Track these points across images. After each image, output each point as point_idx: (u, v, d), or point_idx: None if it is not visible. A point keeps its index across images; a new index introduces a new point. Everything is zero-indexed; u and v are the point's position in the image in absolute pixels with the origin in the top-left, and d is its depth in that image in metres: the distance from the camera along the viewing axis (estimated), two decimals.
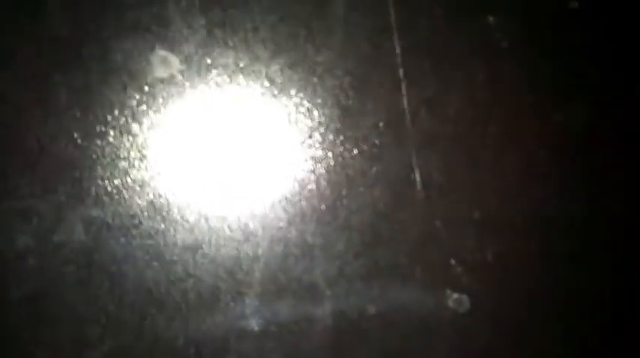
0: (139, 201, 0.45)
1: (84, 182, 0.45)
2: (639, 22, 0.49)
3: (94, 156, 0.45)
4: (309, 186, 0.46)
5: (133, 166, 0.45)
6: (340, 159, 0.47)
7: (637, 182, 0.49)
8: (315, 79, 0.47)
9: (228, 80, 0.46)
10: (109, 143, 0.45)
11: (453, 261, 0.46)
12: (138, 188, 0.45)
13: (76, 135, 0.45)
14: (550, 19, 0.48)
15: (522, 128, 0.47)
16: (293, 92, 0.47)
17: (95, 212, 0.45)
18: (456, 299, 0.46)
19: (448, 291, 0.46)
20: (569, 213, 0.48)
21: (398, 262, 0.46)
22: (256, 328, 0.45)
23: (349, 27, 0.47)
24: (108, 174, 0.45)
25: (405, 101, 0.47)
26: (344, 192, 0.47)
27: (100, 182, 0.45)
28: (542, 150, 0.47)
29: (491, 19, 0.47)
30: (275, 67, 0.46)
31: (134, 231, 0.45)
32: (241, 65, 0.46)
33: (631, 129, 0.49)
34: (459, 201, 0.47)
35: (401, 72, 0.47)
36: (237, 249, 0.46)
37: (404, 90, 0.47)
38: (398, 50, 0.48)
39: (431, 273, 0.46)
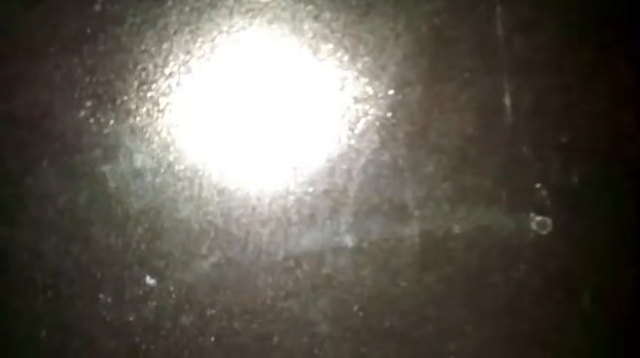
0: (245, 127, 0.49)
1: (193, 107, 0.49)
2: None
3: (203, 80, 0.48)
4: (401, 111, 0.49)
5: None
6: (432, 83, 0.49)
7: None
8: (411, 3, 0.48)
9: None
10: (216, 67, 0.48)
11: (538, 185, 0.48)
12: (241, 117, 0.48)
13: (186, 57, 0.49)
14: None
15: (609, 56, 0.48)
16: (387, 12, 0.48)
17: (204, 134, 0.49)
18: (539, 222, 0.48)
19: (532, 214, 0.48)
20: None
21: (484, 185, 0.49)
22: (350, 244, 0.49)
23: None
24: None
25: (499, 26, 0.48)
26: (435, 116, 0.49)
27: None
28: (629, 78, 0.48)
29: None
30: None
31: (240, 153, 0.49)
32: None
33: None
34: (546, 127, 0.49)
35: None
36: (333, 170, 0.49)
37: (498, 15, 0.48)
38: None
39: (516, 196, 0.48)
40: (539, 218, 0.48)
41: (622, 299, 0.49)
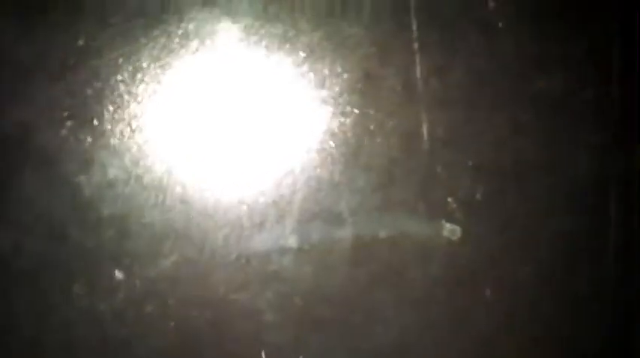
0: (204, 146, 0.57)
1: (159, 128, 0.57)
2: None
3: (169, 106, 0.57)
4: (338, 135, 0.58)
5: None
6: (364, 114, 0.58)
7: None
8: (346, 51, 0.58)
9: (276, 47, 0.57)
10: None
11: (449, 199, 0.58)
12: (201, 138, 0.57)
13: (155, 87, 0.57)
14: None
15: (509, 93, 0.58)
16: (327, 55, 0.58)
17: (169, 151, 0.57)
18: (450, 229, 0.58)
19: (444, 222, 0.58)
20: (547, 161, 0.60)
21: (406, 198, 0.58)
22: (293, 246, 0.57)
23: (375, 6, 0.58)
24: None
25: (417, 69, 0.58)
26: (365, 141, 0.58)
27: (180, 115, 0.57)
28: (525, 111, 0.58)
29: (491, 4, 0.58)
30: (314, 39, 0.57)
31: (199, 168, 0.57)
32: (289, 35, 0.57)
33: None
34: (456, 151, 0.58)
35: (416, 45, 0.58)
36: (280, 184, 0.57)
37: (417, 61, 0.58)
38: (414, 26, 0.58)
39: (431, 208, 0.58)
40: (450, 226, 0.57)
41: (518, 291, 0.58)
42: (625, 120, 0.59)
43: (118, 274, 0.55)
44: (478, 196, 0.58)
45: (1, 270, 0.55)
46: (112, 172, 0.56)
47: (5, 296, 0.55)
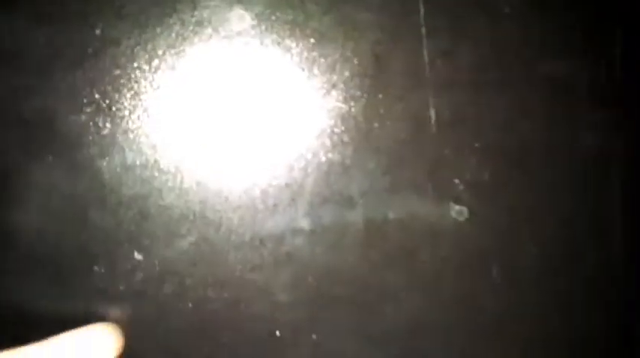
0: (220, 131, 0.59)
1: (177, 114, 0.59)
2: None
3: (185, 92, 0.59)
4: (348, 120, 0.59)
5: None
6: (373, 98, 0.60)
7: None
8: (357, 34, 0.60)
9: (288, 33, 0.59)
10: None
11: (456, 181, 0.60)
12: (217, 123, 0.59)
13: (171, 73, 0.59)
14: None
15: (512, 78, 0.60)
16: (338, 40, 0.59)
17: (186, 136, 0.59)
18: (457, 210, 0.59)
19: (452, 203, 0.59)
20: (552, 143, 0.61)
21: (414, 180, 0.59)
22: (306, 228, 0.59)
23: None
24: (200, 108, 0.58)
25: (425, 53, 0.60)
26: (376, 125, 0.60)
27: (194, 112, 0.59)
28: (530, 94, 0.60)
29: None
30: (325, 23, 0.59)
31: (215, 153, 0.59)
32: (299, 20, 0.59)
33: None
34: (463, 134, 0.60)
35: (423, 30, 0.60)
36: (292, 168, 0.59)
37: (425, 44, 0.60)
38: (422, 12, 0.60)
39: (439, 189, 0.59)
40: (457, 207, 0.59)
41: (525, 273, 0.60)
42: (629, 102, 0.61)
43: (137, 255, 0.58)
44: (485, 178, 0.59)
45: (24, 253, 0.57)
46: (130, 157, 0.58)
47: (30, 278, 0.57)
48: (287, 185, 0.59)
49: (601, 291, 0.62)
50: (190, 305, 0.58)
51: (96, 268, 0.57)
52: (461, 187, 0.59)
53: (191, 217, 0.58)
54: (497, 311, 0.60)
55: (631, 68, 0.59)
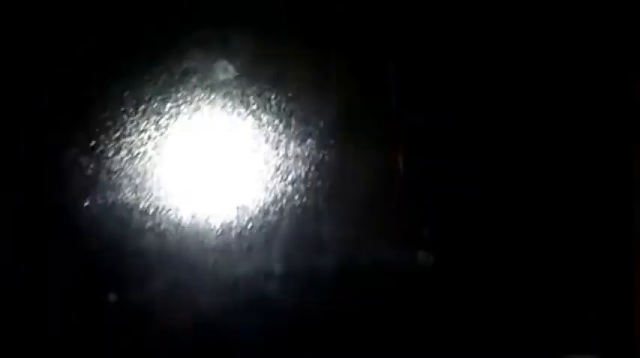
0: (199, 176, 0.61)
1: (159, 157, 0.61)
2: None
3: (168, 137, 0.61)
4: (322, 167, 0.62)
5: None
6: (346, 148, 0.63)
7: None
8: (332, 87, 0.63)
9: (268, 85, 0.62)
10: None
11: (424, 229, 0.62)
12: (196, 168, 0.61)
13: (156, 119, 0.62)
14: None
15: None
16: (315, 96, 0.63)
17: (166, 179, 0.61)
18: (424, 256, 0.62)
19: (419, 251, 0.62)
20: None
21: (383, 226, 0.62)
22: (279, 270, 0.61)
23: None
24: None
25: (394, 107, 0.63)
26: (346, 173, 0.63)
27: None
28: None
29: None
30: (303, 78, 0.62)
31: (193, 197, 0.61)
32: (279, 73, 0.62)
33: None
34: (431, 184, 0.63)
35: (393, 86, 0.63)
36: (267, 212, 0.61)
37: (394, 100, 0.63)
38: (392, 69, 0.63)
39: (407, 236, 0.62)
40: (424, 254, 0.62)
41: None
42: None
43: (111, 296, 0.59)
44: (452, 226, 0.62)
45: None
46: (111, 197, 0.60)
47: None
48: (261, 228, 0.61)
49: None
50: (163, 345, 0.59)
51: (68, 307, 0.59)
52: (427, 235, 0.62)
53: (167, 258, 0.60)
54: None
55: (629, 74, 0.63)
